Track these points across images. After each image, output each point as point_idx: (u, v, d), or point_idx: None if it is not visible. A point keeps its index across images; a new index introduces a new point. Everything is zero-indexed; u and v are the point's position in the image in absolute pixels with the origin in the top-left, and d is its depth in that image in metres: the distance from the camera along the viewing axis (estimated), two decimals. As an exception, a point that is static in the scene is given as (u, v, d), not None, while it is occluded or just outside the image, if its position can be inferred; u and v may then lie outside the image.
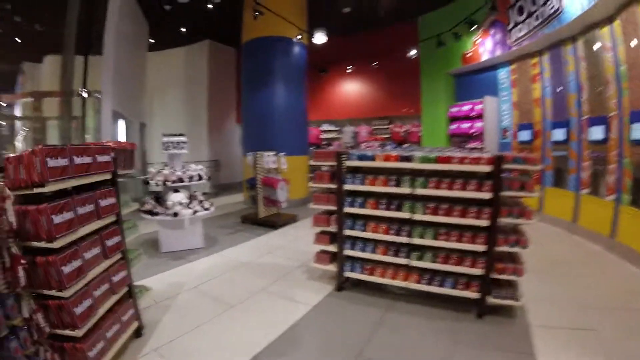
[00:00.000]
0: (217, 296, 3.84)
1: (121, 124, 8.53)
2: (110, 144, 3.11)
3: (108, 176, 2.81)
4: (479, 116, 8.74)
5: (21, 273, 1.86)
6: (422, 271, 3.48)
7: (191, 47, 12.46)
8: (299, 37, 8.76)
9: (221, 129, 13.17)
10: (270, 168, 7.25)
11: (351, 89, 13.24)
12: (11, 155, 2.08)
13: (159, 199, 5.56)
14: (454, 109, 9.56)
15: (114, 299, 2.64)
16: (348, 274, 3.82)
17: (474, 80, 9.30)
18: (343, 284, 3.89)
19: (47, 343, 2.03)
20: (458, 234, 3.27)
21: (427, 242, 3.37)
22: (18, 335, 1.80)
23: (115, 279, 2.72)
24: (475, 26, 8.50)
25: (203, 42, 12.38)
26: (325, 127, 13.29)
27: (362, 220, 3.71)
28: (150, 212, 5.35)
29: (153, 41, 11.10)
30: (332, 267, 3.96)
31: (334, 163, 3.77)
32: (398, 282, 3.55)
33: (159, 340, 2.96)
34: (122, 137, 8.36)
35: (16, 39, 10.26)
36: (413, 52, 10.45)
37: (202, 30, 11.37)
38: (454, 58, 9.85)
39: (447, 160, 3.25)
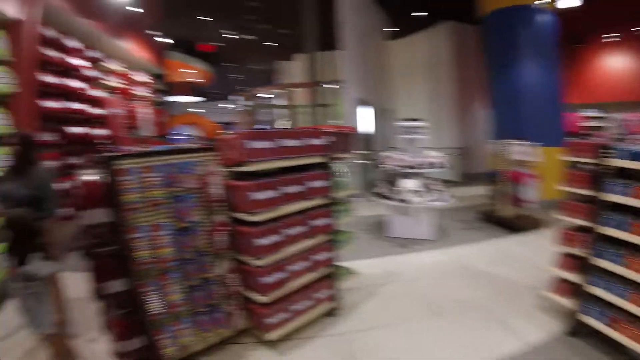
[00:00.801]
0: (427, 297, 3.45)
1: (366, 110, 9.20)
2: (327, 128, 3.26)
3: (320, 159, 2.89)
4: None
5: (222, 237, 2.18)
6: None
7: (432, 30, 11.93)
8: (544, 1, 6.79)
9: (470, 114, 12.11)
10: (517, 160, 5.98)
11: (618, 64, 10.66)
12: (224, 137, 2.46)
13: (393, 183, 5.59)
14: None
15: (311, 276, 2.75)
16: (586, 318, 2.59)
17: None
18: (578, 329, 2.68)
19: (236, 299, 2.32)
20: None
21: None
22: (207, 287, 2.12)
23: (317, 258, 2.83)
24: None
25: (443, 24, 11.64)
26: (585, 112, 10.90)
27: (623, 250, 2.37)
28: (382, 195, 5.47)
29: (397, 29, 11.37)
30: (568, 303, 2.78)
31: (592, 160, 2.59)
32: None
33: (351, 325, 2.91)
34: (363, 122, 9.02)
35: (269, 43, 13.54)
36: None
37: (439, 11, 10.80)
38: None
39: None
